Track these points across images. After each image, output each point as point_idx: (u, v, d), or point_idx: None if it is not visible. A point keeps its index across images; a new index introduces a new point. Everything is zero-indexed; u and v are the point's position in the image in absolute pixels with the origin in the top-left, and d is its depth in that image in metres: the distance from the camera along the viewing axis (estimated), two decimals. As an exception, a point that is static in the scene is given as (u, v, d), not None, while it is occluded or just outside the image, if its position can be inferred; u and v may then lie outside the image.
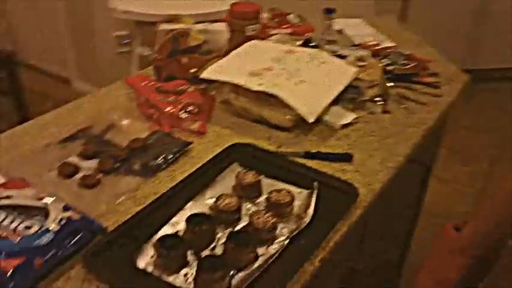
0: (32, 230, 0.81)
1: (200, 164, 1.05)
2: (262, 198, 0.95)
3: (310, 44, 1.46)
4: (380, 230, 1.45)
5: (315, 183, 0.98)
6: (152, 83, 1.24)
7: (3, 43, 3.25)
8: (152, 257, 0.82)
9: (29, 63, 3.47)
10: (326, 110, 1.22)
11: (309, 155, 1.10)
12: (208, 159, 1.07)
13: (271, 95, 1.15)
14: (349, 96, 1.31)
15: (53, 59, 3.45)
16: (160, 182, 1.01)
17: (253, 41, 1.35)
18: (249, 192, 0.97)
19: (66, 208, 0.87)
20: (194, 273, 0.79)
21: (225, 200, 0.91)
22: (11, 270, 0.75)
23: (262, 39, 1.42)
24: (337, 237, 0.90)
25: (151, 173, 1.02)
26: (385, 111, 1.29)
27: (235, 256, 0.82)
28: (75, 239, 0.82)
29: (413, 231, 1.80)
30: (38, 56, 3.50)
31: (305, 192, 0.98)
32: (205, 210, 0.91)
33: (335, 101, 1.26)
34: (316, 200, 0.95)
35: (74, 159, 1.05)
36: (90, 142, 1.11)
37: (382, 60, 1.49)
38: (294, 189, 0.98)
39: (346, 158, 1.10)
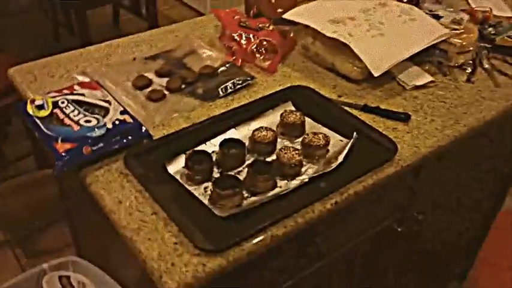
0: (90, 124, 0.95)
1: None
2: (301, 139, 0.99)
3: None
4: (447, 202, 1.40)
5: (354, 133, 0.98)
6: (238, 17, 1.30)
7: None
8: (183, 167, 0.91)
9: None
10: (402, 68, 1.19)
11: (366, 109, 1.09)
12: (267, 94, 1.12)
13: (346, 45, 1.15)
14: (435, 59, 1.25)
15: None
16: (216, 107, 1.09)
17: (346, -11, 1.34)
18: (290, 130, 1.00)
19: (123, 112, 0.99)
20: (211, 188, 0.87)
21: (262, 132, 0.96)
22: (62, 152, 0.89)
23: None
24: (360, 187, 0.91)
25: (210, 98, 1.11)
26: (468, 80, 1.21)
27: (252, 181, 0.88)
28: (123, 139, 0.94)
29: (493, 219, 1.69)
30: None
31: (344, 140, 0.99)
32: (242, 137, 0.97)
33: (418, 61, 1.22)
34: (351, 150, 0.96)
35: (149, 74, 1.17)
36: (169, 63, 1.22)
37: (488, 29, 1.38)
38: (333, 136, 0.99)
39: (403, 117, 1.07)
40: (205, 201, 0.85)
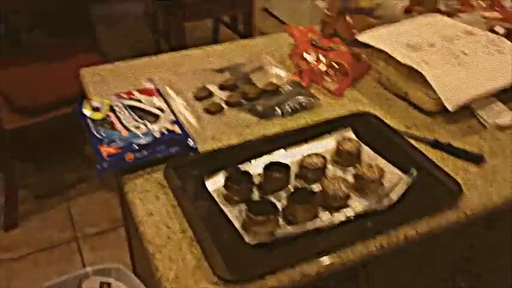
0: (139, 131, 0.94)
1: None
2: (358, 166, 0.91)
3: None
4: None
5: (413, 169, 0.88)
6: (311, 35, 1.24)
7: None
8: (223, 185, 0.87)
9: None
10: (484, 103, 1.06)
11: (435, 144, 0.99)
12: (327, 118, 1.05)
13: (421, 72, 1.05)
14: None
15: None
16: (273, 126, 1.04)
17: (435, 14, 1.23)
18: (344, 159, 0.93)
19: (174, 122, 0.97)
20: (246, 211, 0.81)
21: (312, 159, 0.90)
22: (106, 155, 0.89)
23: (450, 15, 1.28)
24: (412, 232, 0.81)
25: (268, 117, 1.06)
26: None
27: (291, 210, 0.81)
28: (169, 149, 0.92)
29: None
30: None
31: (403, 177, 0.89)
32: (290, 160, 0.91)
33: (505, 99, 1.09)
34: (409, 188, 0.86)
35: (212, 87, 1.15)
36: (234, 76, 1.19)
37: None
38: (392, 170, 0.90)
39: (476, 158, 0.95)
40: (237, 225, 0.80)
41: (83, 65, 1.25)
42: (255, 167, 0.91)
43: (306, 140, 0.97)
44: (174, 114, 1.00)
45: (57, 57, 2.13)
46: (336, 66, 1.16)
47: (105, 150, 0.90)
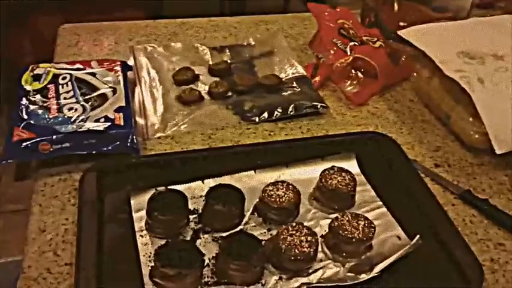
0: (71, 113, 0.73)
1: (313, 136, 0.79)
2: (339, 215, 0.64)
3: None
4: None
5: (418, 237, 0.61)
6: (342, 21, 0.96)
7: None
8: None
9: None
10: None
11: (466, 197, 0.70)
12: (328, 134, 0.79)
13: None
14: None
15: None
16: (255, 133, 0.79)
17: (508, 16, 0.91)
18: (328, 199, 0.66)
19: (120, 109, 0.75)
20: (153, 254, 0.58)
21: (277, 190, 0.64)
22: (15, 140, 0.69)
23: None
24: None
25: (252, 119, 0.81)
26: None
27: (222, 264, 0.57)
28: (100, 145, 0.70)
29: None
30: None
31: (403, 239, 0.62)
32: (250, 188, 0.67)
33: None
34: (405, 262, 0.59)
35: (200, 69, 0.91)
36: (234, 59, 0.94)
37: None
38: (389, 226, 0.63)
39: (521, 230, 0.66)
40: (145, 272, 0.57)
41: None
42: (204, 189, 0.67)
43: (287, 163, 0.71)
44: (127, 98, 0.77)
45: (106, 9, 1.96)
46: (362, 64, 0.88)
47: (18, 133, 0.69)
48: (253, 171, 0.70)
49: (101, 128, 0.71)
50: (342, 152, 0.73)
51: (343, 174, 0.67)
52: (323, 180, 0.67)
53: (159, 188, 0.64)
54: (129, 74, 0.87)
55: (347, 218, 0.62)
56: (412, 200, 0.68)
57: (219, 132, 0.79)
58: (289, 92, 0.86)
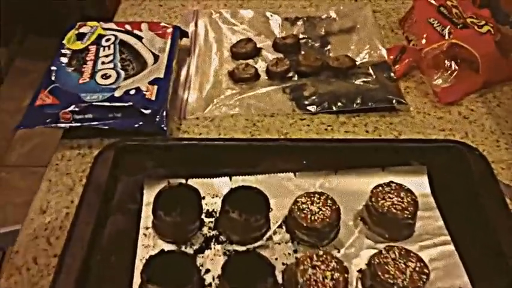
0: (102, 80, 0.65)
1: (375, 137, 0.64)
2: (384, 249, 0.50)
3: None
4: None
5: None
6: (450, 2, 0.77)
7: None
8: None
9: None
10: None
11: None
12: (397, 138, 0.64)
13: None
14: None
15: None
16: (309, 125, 0.66)
17: None
18: (375, 223, 0.52)
19: (155, 81, 0.65)
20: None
21: (314, 205, 0.51)
22: (37, 105, 0.62)
23: None
24: None
25: (308, 109, 0.68)
26: None
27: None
28: (125, 120, 0.62)
29: None
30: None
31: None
32: (280, 197, 0.54)
33: None
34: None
35: (264, 42, 0.79)
36: (307, 33, 0.81)
37: None
38: (454, 277, 0.48)
39: None
40: (136, 280, 0.48)
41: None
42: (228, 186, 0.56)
43: (337, 168, 0.58)
44: (168, 68, 0.67)
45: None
46: (459, 52, 0.70)
47: (43, 97, 0.63)
48: (292, 174, 0.57)
49: (128, 101, 0.62)
50: (411, 164, 0.58)
51: (402, 194, 0.53)
52: (373, 200, 0.52)
53: (172, 181, 0.55)
54: (186, 41, 0.78)
55: (393, 255, 0.48)
56: (493, 241, 0.52)
57: (267, 119, 0.67)
58: (361, 79, 0.71)
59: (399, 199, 0.52)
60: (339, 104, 0.67)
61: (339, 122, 0.66)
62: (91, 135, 0.63)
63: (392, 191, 0.53)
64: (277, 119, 0.67)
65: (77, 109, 0.61)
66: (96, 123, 0.61)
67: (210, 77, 0.73)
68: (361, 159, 0.58)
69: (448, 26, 0.73)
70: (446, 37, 0.72)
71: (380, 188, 0.53)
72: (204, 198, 0.55)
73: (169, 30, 0.74)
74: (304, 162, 0.59)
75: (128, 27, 0.74)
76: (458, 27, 0.72)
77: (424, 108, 0.69)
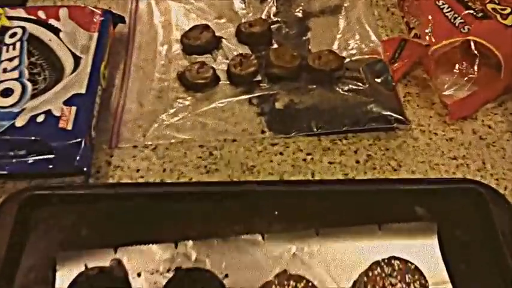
0: (2, 100, 0.47)
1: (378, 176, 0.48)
2: None
3: None
4: None
5: None
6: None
7: None
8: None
9: None
10: None
11: None
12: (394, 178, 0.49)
13: None
14: None
15: None
16: (283, 154, 0.50)
17: None
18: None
19: (74, 100, 0.48)
20: None
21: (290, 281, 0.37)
22: None
23: None
24: None
25: (286, 133, 0.52)
26: None
27: None
28: (30, 159, 0.45)
29: None
30: None
31: None
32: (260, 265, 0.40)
33: None
34: None
35: (227, 29, 0.61)
36: (280, 15, 0.63)
37: None
38: None
39: None
40: None
41: None
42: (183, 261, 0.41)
43: (317, 227, 0.43)
44: (92, 78, 0.50)
45: None
46: (480, 54, 0.54)
47: None
48: (260, 237, 0.43)
49: (35, 133, 0.45)
50: (415, 214, 0.44)
51: (408, 277, 0.38)
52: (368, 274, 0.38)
53: (91, 261, 0.39)
54: (122, 28, 0.60)
55: None
56: None
57: (227, 145, 0.51)
58: (350, 86, 0.55)
59: (404, 285, 0.38)
60: (321, 123, 0.51)
61: (321, 148, 0.50)
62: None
63: (395, 273, 0.39)
64: (241, 143, 0.51)
65: (-38, 145, 0.44)
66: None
67: (154, 82, 0.56)
68: (351, 209, 0.44)
69: (463, 13, 0.56)
70: (461, 30, 0.55)
71: (379, 269, 0.39)
72: (139, 275, 0.40)
73: (98, 17, 0.56)
74: (276, 213, 0.44)
75: (41, 14, 0.55)
76: (477, 16, 0.56)
77: (429, 126, 0.53)
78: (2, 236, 0.42)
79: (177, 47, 0.59)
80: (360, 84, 0.55)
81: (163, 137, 0.51)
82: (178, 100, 0.54)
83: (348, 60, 0.57)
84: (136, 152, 0.50)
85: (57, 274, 0.40)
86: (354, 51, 0.58)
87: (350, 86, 0.54)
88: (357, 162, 0.50)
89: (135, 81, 0.56)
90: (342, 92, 0.54)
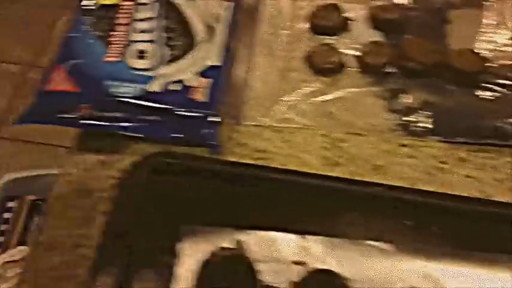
0: (135, 62, 0.47)
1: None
2: None
3: None
4: None
5: None
6: None
7: None
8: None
9: None
10: None
11: None
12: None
13: None
14: None
15: None
16: (415, 157, 0.47)
17: None
18: None
19: (208, 72, 0.47)
20: None
21: None
22: (51, 88, 0.45)
23: None
24: None
25: (421, 133, 0.48)
26: None
27: None
28: (161, 126, 0.45)
29: None
30: None
31: None
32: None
33: None
34: None
35: (358, 10, 0.58)
36: (414, 4, 0.59)
37: None
38: None
39: None
40: None
41: None
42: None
43: (454, 248, 0.40)
44: (226, 51, 0.49)
45: None
46: None
47: (57, 77, 0.46)
48: (391, 247, 0.40)
49: (166, 102, 0.45)
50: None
51: None
52: None
53: (215, 243, 0.39)
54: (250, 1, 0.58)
55: None
56: None
57: (353, 138, 0.48)
58: (493, 93, 0.50)
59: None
60: (461, 131, 0.48)
61: (457, 158, 0.47)
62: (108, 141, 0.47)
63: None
64: (368, 139, 0.48)
65: (98, 103, 0.44)
66: (122, 128, 0.44)
67: (279, 60, 0.54)
68: (491, 233, 0.41)
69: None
70: None
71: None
72: (262, 262, 0.39)
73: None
74: (408, 223, 0.42)
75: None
76: None
77: None
78: (131, 195, 0.42)
79: (304, 25, 0.57)
80: (505, 89, 0.50)
81: (287, 120, 0.49)
82: (304, 83, 0.52)
83: (492, 63, 0.52)
84: (259, 131, 0.48)
85: (183, 247, 0.40)
86: (500, 54, 0.53)
87: (494, 93, 0.50)
88: (495, 180, 0.46)
89: (259, 57, 0.54)
90: (480, 97, 0.50)
